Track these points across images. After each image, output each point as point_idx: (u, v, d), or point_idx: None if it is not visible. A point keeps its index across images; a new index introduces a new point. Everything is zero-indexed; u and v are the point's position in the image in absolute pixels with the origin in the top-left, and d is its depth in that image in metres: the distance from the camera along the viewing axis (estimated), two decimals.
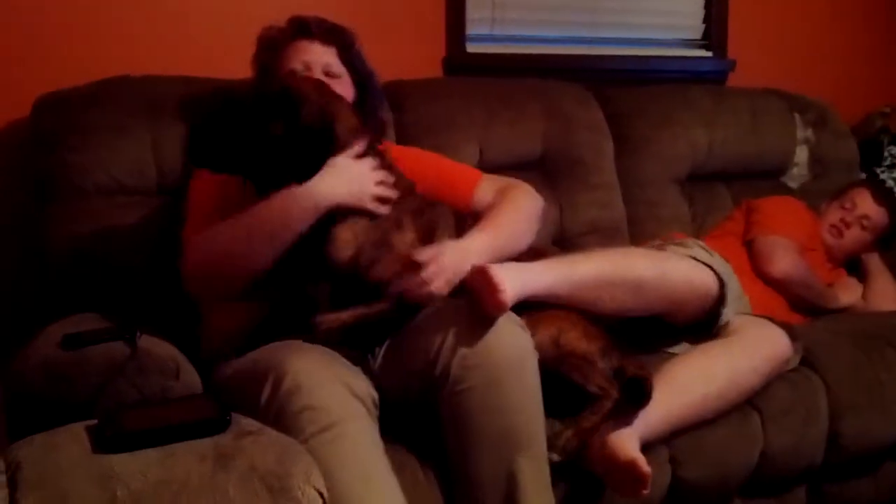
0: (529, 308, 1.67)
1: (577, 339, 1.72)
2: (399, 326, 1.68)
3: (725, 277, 1.90)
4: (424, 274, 1.63)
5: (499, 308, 1.56)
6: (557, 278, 1.70)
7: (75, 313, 1.80)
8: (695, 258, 1.90)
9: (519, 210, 1.86)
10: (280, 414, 1.44)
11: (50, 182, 1.97)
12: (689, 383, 1.76)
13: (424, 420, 1.59)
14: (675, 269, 1.83)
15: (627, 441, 1.61)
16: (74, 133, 1.98)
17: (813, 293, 2.38)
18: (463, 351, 1.53)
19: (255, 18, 2.30)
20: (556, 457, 1.62)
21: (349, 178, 1.68)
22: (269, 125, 1.61)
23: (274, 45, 1.93)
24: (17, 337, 1.62)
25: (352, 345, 1.65)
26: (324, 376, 1.47)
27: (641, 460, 1.57)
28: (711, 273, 1.86)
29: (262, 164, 1.63)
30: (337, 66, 1.91)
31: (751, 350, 1.86)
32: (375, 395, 1.54)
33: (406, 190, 1.79)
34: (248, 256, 1.64)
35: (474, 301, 1.58)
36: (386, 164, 1.76)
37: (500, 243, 1.75)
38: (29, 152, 2.01)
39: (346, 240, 1.67)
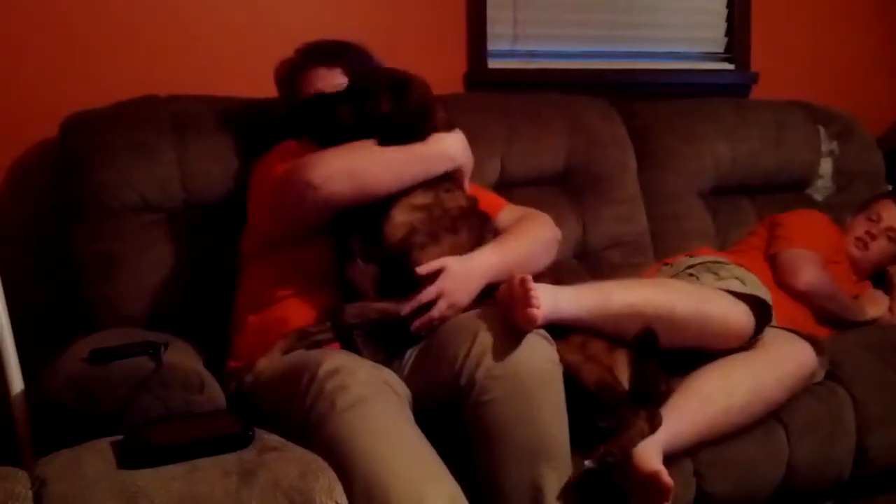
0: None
1: (601, 350, 1.72)
2: (420, 336, 1.71)
3: (765, 299, 1.88)
4: (425, 297, 1.70)
5: (530, 322, 1.57)
6: (592, 307, 1.70)
7: (104, 329, 1.84)
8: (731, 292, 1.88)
9: (533, 235, 1.91)
10: (318, 395, 1.47)
11: (78, 201, 2.00)
12: (712, 395, 1.75)
13: (449, 430, 1.60)
14: (713, 309, 1.81)
15: (650, 453, 1.60)
16: (101, 152, 2.01)
17: (838, 306, 2.36)
18: (488, 362, 1.54)
19: (278, 39, 2.33)
20: (590, 463, 1.60)
21: (465, 145, 1.89)
22: (380, 102, 1.81)
23: (289, 79, 2.01)
24: (46, 354, 1.64)
25: (376, 346, 1.68)
26: (361, 371, 1.52)
27: (664, 472, 1.56)
28: (748, 312, 1.85)
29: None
30: (345, 85, 1.96)
31: (775, 363, 1.84)
32: (408, 392, 1.57)
33: (471, 201, 1.89)
34: (380, 180, 1.76)
35: (506, 310, 1.59)
36: None
37: (508, 265, 1.78)
38: (57, 172, 2.05)
39: (401, 223, 1.77)
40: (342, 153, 1.76)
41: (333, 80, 1.96)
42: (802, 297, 2.31)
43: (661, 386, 1.71)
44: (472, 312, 1.66)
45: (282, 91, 2.06)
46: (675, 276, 2.05)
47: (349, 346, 1.69)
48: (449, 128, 1.89)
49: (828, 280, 2.35)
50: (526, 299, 1.56)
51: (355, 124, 1.80)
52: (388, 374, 1.58)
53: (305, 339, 1.72)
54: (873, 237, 2.54)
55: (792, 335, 1.94)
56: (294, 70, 2.00)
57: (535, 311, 1.56)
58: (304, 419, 1.48)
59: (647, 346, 1.66)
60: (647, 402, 1.67)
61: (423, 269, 1.72)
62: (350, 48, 2.03)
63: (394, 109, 1.81)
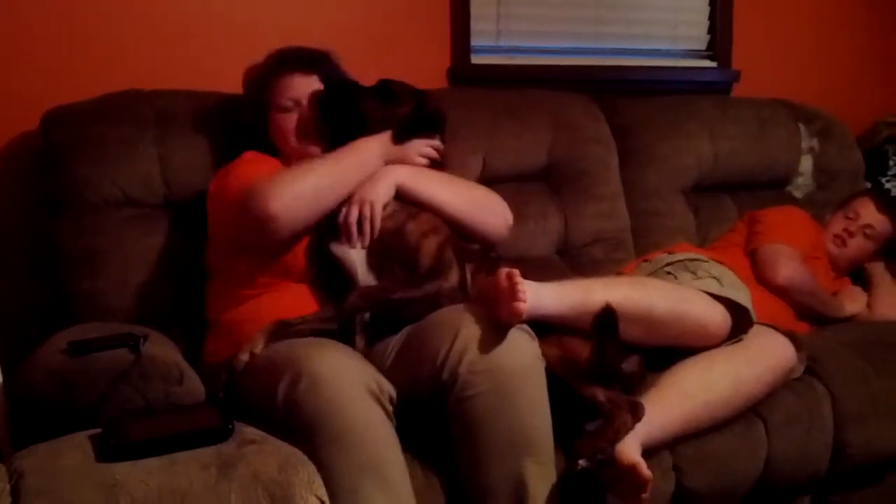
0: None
1: (580, 345, 1.72)
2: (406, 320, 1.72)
3: (742, 302, 1.90)
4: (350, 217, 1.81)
5: (515, 316, 1.58)
6: (574, 304, 1.71)
7: (85, 322, 1.83)
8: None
9: (468, 186, 2.02)
10: (293, 415, 1.46)
11: (60, 194, 1.99)
12: (691, 390, 1.76)
13: (431, 424, 1.60)
14: (691, 308, 1.83)
15: (629, 445, 1.61)
16: (83, 146, 2.00)
17: (816, 301, 2.38)
18: (470, 357, 1.55)
19: (259, 33, 2.35)
20: (584, 462, 1.60)
21: (393, 157, 1.91)
22: (398, 108, 1.94)
23: (260, 84, 2.00)
24: (27, 348, 1.64)
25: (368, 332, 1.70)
26: (343, 376, 1.50)
27: (642, 465, 1.57)
28: (724, 313, 1.87)
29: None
30: None
31: (755, 359, 1.86)
32: (393, 392, 1.56)
33: None
34: (335, 194, 1.82)
35: (491, 303, 1.60)
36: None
37: (420, 178, 1.90)
38: (38, 165, 2.04)
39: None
40: (292, 178, 1.78)
41: (310, 86, 1.96)
42: (781, 292, 2.33)
43: (623, 366, 1.72)
44: (455, 307, 1.67)
45: (249, 95, 2.04)
46: (653, 273, 2.05)
47: (346, 333, 1.69)
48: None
49: (807, 275, 2.37)
50: (512, 293, 1.57)
51: (380, 119, 1.91)
52: (373, 377, 1.54)
53: (286, 328, 1.72)
54: (851, 234, 2.56)
55: (771, 330, 1.96)
56: (267, 75, 1.99)
57: (521, 304, 1.56)
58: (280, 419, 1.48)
59: (606, 326, 1.65)
60: (610, 382, 1.67)
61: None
62: (323, 54, 2.04)
63: (414, 111, 1.95)
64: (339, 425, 1.45)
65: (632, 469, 1.56)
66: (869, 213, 2.58)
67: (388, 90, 1.96)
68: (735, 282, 2.01)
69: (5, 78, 2.15)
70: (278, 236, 1.77)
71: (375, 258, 1.80)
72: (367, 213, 1.80)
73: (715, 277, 1.98)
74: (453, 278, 1.80)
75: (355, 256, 1.81)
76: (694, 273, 2.00)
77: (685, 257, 2.08)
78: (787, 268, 2.34)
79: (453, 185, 1.94)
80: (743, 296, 1.94)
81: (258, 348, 1.68)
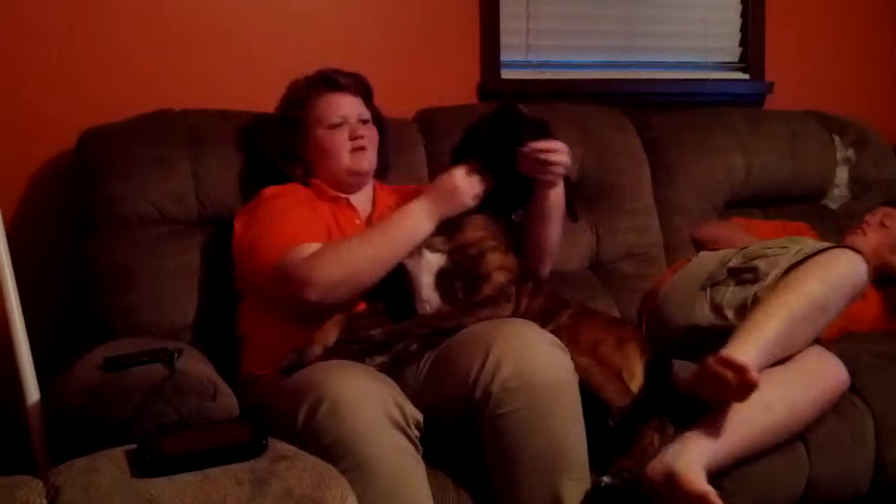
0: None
1: (612, 352, 1.73)
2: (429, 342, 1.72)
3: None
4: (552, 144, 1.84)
5: (752, 388, 1.60)
6: (775, 352, 1.76)
7: (120, 338, 1.84)
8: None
9: None
10: (313, 440, 1.45)
11: (95, 212, 2.02)
12: (749, 414, 1.71)
13: (463, 442, 1.59)
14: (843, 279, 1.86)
15: (696, 472, 1.57)
16: (118, 165, 2.03)
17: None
18: (503, 374, 1.53)
19: (290, 53, 2.37)
20: (607, 479, 1.59)
21: (446, 192, 1.87)
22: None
23: (302, 99, 2.02)
24: (61, 364, 1.65)
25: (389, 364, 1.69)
26: (364, 403, 1.48)
27: (712, 493, 1.53)
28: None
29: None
30: (366, 113, 2.03)
31: (810, 382, 1.81)
32: (419, 416, 1.54)
33: None
34: (373, 275, 1.79)
35: (718, 392, 1.63)
36: None
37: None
38: (73, 184, 2.06)
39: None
40: (334, 261, 1.76)
41: (357, 106, 2.01)
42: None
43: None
44: (484, 324, 1.66)
45: (290, 112, 2.04)
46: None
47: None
48: None
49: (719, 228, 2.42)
50: (737, 370, 1.59)
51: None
52: (397, 403, 1.52)
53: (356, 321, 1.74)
54: (868, 224, 2.52)
55: (826, 352, 1.90)
56: (315, 92, 2.01)
57: (751, 374, 1.59)
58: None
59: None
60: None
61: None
62: (363, 79, 2.07)
63: None
64: (360, 453, 1.44)
65: (702, 498, 1.53)
66: (887, 210, 2.54)
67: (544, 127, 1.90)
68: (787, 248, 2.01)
69: (43, 99, 2.19)
70: (312, 310, 1.77)
71: (444, 275, 1.82)
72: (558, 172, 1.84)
73: (783, 246, 1.99)
74: (507, 310, 1.80)
75: (424, 273, 1.82)
76: (765, 256, 1.99)
77: (738, 265, 2.06)
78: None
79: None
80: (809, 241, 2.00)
81: (331, 342, 1.70)
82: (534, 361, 1.55)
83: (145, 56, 2.28)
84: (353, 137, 1.97)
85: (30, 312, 1.82)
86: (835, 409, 1.90)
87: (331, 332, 1.72)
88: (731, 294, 1.99)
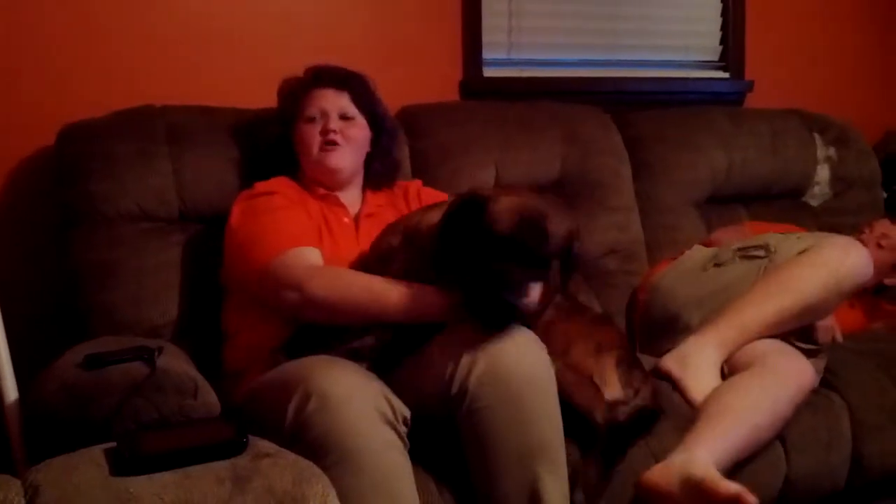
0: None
1: (585, 356, 1.72)
2: (413, 349, 1.70)
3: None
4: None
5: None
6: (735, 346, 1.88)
7: (101, 335, 1.83)
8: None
9: None
10: (301, 435, 1.46)
11: (75, 209, 2.00)
12: (739, 415, 1.74)
13: (441, 438, 1.60)
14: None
15: (717, 475, 1.57)
16: (99, 161, 2.01)
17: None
18: (479, 369, 1.54)
19: (271, 50, 2.36)
20: (581, 496, 1.60)
21: None
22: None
23: (293, 96, 2.03)
24: (41, 362, 1.64)
25: (374, 365, 1.68)
26: (353, 398, 1.48)
27: (745, 490, 1.52)
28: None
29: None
30: (351, 110, 2.01)
31: (784, 381, 1.84)
32: (407, 412, 1.54)
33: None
34: (361, 317, 1.71)
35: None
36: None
37: None
38: (53, 180, 2.05)
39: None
40: (335, 284, 1.72)
41: (339, 102, 1.99)
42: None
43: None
44: (460, 325, 1.65)
45: (282, 105, 2.06)
46: (727, 261, 2.11)
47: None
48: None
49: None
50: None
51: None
52: (385, 397, 1.52)
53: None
54: (864, 244, 2.53)
55: (794, 350, 1.94)
56: (301, 88, 2.03)
57: (748, 497, 1.53)
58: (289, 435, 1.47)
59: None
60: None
61: None
62: (357, 76, 2.06)
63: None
64: (348, 447, 1.44)
65: (735, 498, 1.51)
66: (883, 225, 2.56)
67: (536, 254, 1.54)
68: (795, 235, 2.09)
69: (22, 94, 2.17)
70: (296, 312, 1.76)
71: None
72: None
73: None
74: None
75: None
76: (774, 251, 2.04)
77: (746, 244, 2.12)
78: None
79: None
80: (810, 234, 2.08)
81: None
82: (508, 355, 1.55)
83: (126, 52, 2.26)
84: (323, 131, 1.97)
85: (8, 309, 1.81)
86: (811, 405, 1.92)
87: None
88: (740, 268, 2.04)
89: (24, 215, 2.19)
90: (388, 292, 1.69)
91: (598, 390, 1.70)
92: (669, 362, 1.89)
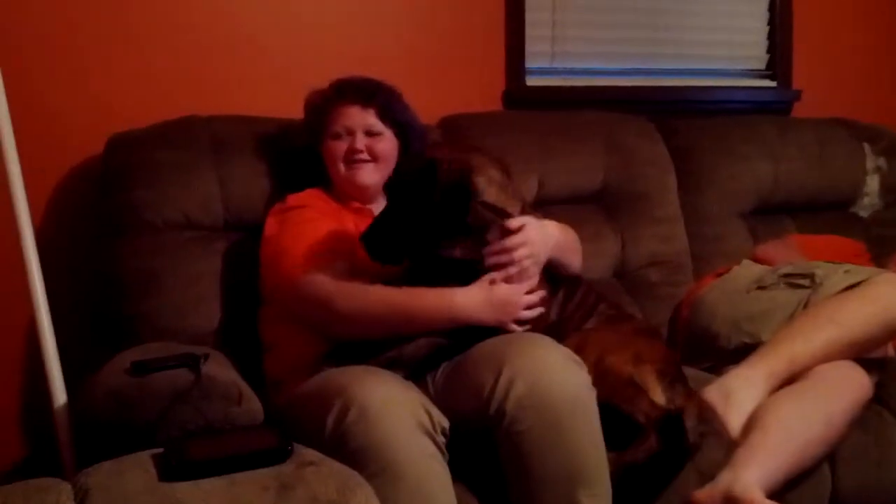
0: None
1: (622, 363, 1.70)
2: (454, 353, 1.70)
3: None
4: (510, 242, 1.74)
5: None
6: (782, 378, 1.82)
7: (146, 342, 1.85)
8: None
9: (574, 232, 2.01)
10: (341, 446, 1.46)
11: (121, 217, 2.03)
12: (792, 429, 1.71)
13: (481, 451, 1.59)
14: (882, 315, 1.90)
15: (758, 496, 1.56)
16: (144, 171, 2.04)
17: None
18: (517, 391, 1.52)
19: (315, 60, 2.37)
20: None
21: (497, 303, 1.73)
22: (427, 195, 1.72)
23: (319, 110, 2.04)
24: (88, 367, 1.67)
25: (411, 373, 1.68)
26: (392, 409, 1.48)
27: None
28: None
29: (423, 235, 1.75)
30: (378, 126, 2.01)
31: (840, 392, 1.81)
32: (446, 423, 1.54)
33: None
34: (386, 331, 1.74)
35: None
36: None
37: (565, 240, 1.91)
38: (100, 189, 2.08)
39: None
40: (356, 297, 1.75)
41: (366, 119, 1.99)
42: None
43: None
44: (499, 339, 1.65)
45: (308, 119, 2.07)
46: (770, 285, 2.09)
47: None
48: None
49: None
50: None
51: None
52: (425, 408, 1.52)
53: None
54: None
55: (850, 362, 1.89)
56: (326, 103, 2.03)
57: None
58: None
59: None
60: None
61: (512, 223, 1.74)
62: (383, 89, 2.05)
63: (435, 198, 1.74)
64: (388, 458, 1.44)
65: None
66: None
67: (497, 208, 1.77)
68: (842, 265, 2.04)
69: (71, 106, 2.20)
70: (323, 328, 1.79)
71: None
72: (519, 257, 1.75)
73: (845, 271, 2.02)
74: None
75: None
76: (820, 283, 2.01)
77: (792, 271, 2.09)
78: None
79: (571, 246, 1.95)
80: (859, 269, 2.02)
81: None
82: (548, 377, 1.53)
83: (171, 64, 2.29)
84: (349, 151, 1.98)
85: (58, 317, 1.83)
86: (860, 420, 1.88)
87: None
88: (782, 296, 2.01)
89: (72, 224, 2.22)
90: (409, 303, 1.72)
91: (639, 390, 1.68)
92: (713, 394, 1.83)
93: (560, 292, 1.88)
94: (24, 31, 2.16)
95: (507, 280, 1.74)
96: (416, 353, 1.72)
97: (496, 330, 1.71)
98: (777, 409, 1.75)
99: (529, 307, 1.75)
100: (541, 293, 1.78)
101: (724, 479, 1.61)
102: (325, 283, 1.76)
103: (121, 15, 2.25)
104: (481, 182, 1.74)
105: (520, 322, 1.75)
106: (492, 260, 1.74)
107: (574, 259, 1.95)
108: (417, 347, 1.72)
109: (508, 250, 1.74)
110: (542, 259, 1.80)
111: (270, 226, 1.93)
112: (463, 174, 1.73)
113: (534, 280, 1.78)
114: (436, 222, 1.73)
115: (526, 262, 1.75)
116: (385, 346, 1.72)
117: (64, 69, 2.20)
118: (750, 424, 1.73)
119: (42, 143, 2.14)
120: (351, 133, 1.98)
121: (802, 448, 1.71)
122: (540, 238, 1.79)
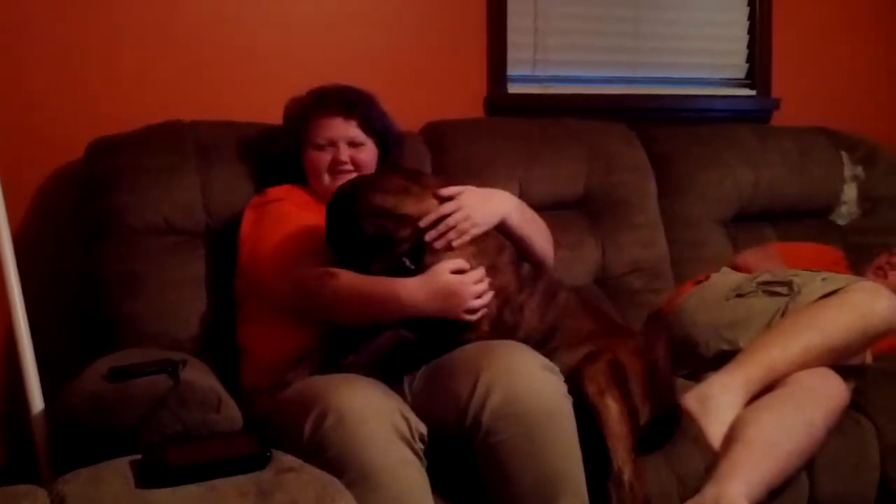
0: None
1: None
2: (432, 355, 1.70)
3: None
4: (443, 209, 1.77)
5: None
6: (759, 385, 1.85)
7: (125, 348, 1.84)
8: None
9: (541, 221, 2.01)
10: (319, 452, 1.45)
11: (102, 221, 2.02)
12: (773, 442, 1.72)
13: (461, 461, 1.59)
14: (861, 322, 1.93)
15: None
16: (126, 175, 2.03)
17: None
18: (493, 402, 1.53)
19: (297, 65, 2.37)
20: None
21: (440, 294, 1.71)
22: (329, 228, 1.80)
23: (298, 119, 2.04)
24: (67, 373, 1.65)
25: (384, 374, 1.68)
26: (370, 415, 1.48)
27: None
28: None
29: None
30: (360, 137, 2.02)
31: (818, 401, 1.82)
32: (424, 429, 1.54)
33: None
34: (354, 317, 1.74)
35: None
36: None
37: (523, 214, 1.91)
38: (81, 193, 2.07)
39: None
40: (332, 291, 1.75)
41: (349, 132, 2.00)
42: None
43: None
44: (474, 346, 1.66)
45: (287, 126, 2.07)
46: (749, 293, 2.10)
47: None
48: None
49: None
50: None
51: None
52: (402, 414, 1.52)
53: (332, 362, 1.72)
54: (893, 266, 2.52)
55: (828, 370, 1.91)
56: (307, 113, 2.03)
57: None
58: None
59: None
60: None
61: (443, 191, 1.78)
62: (363, 98, 2.05)
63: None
64: (366, 465, 1.44)
65: None
66: None
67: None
68: (820, 273, 2.07)
69: (52, 109, 2.20)
70: (316, 309, 1.79)
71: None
72: (464, 227, 1.77)
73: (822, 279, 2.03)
74: (484, 328, 1.76)
75: None
76: (798, 291, 2.02)
77: (770, 279, 2.10)
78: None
79: (537, 224, 1.96)
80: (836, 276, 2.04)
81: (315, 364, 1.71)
82: (524, 387, 1.54)
83: (154, 67, 2.28)
84: (334, 162, 1.98)
85: (35, 321, 1.82)
86: (838, 427, 1.89)
87: (315, 356, 1.72)
88: (760, 304, 2.02)
89: (52, 227, 2.21)
90: (370, 291, 1.73)
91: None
92: (691, 401, 1.85)
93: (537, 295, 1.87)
94: (7, 34, 2.15)
95: (448, 246, 1.75)
96: (381, 346, 1.71)
97: (458, 323, 1.71)
98: (758, 420, 1.76)
99: (478, 296, 1.73)
100: (487, 279, 1.75)
101: (709, 494, 1.63)
102: (301, 272, 1.77)
103: (105, 19, 2.24)
104: (368, 196, 1.77)
105: (471, 311, 1.72)
106: (431, 233, 1.76)
107: (538, 238, 1.94)
108: (383, 340, 1.71)
109: (443, 217, 1.76)
110: (486, 222, 1.80)
111: (248, 221, 1.95)
112: (349, 196, 1.78)
113: (480, 270, 1.76)
114: (347, 247, 1.78)
115: (464, 225, 1.76)
116: (352, 343, 1.72)
117: (48, 73, 2.19)
118: (731, 436, 1.75)
119: (23, 146, 2.14)
120: (333, 144, 1.99)
121: (784, 459, 1.72)
122: (479, 203, 1.80)
